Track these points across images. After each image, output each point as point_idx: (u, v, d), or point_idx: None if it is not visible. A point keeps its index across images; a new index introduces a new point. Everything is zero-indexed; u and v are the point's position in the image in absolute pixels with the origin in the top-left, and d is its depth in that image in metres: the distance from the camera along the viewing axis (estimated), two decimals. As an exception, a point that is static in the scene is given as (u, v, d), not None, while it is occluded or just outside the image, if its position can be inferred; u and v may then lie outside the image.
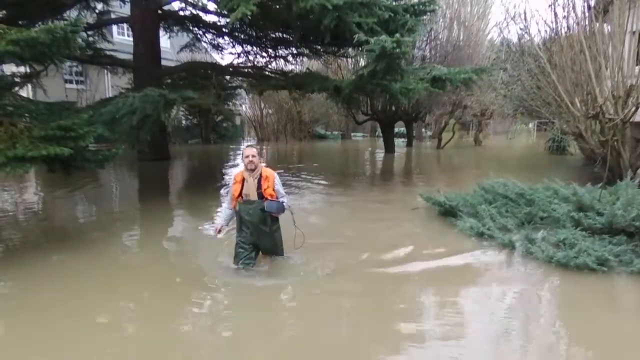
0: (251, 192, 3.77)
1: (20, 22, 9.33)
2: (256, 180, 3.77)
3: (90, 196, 8.09)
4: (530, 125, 28.68)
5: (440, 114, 19.81)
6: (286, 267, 4.12)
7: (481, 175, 7.45)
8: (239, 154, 17.15)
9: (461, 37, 16.98)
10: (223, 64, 14.01)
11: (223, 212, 4.15)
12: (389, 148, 17.12)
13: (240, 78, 14.02)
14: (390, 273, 4.13)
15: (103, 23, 13.17)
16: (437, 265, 4.30)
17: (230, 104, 18.76)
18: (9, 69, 10.52)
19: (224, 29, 12.53)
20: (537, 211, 5.29)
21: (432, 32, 16.42)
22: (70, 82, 18.22)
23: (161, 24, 12.61)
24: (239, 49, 13.44)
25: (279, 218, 3.97)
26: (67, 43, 4.13)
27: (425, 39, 16.32)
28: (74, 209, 7.20)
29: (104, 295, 3.54)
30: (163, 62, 12.76)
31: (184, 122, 21.37)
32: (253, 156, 3.76)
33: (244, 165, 3.82)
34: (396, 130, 20.19)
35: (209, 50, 15.59)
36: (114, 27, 19.04)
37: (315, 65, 17.87)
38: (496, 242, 4.75)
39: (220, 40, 13.74)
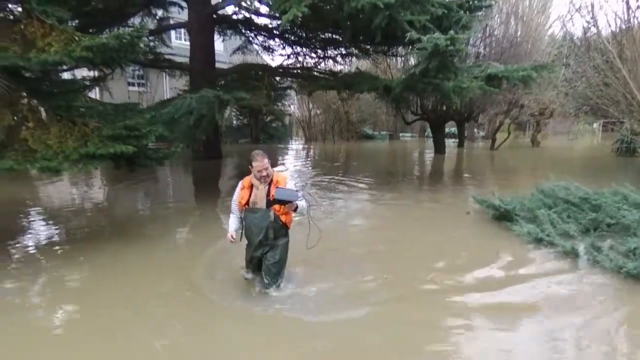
0: (259, 200, 3.35)
1: (90, 30, 10.09)
2: (266, 187, 3.35)
3: (149, 191, 8.58)
4: (595, 125, 26.66)
5: (495, 113, 18.95)
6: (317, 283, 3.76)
7: (539, 178, 7.05)
8: (287, 153, 17.59)
9: (519, 33, 16.15)
10: (273, 65, 14.29)
11: (232, 219, 3.57)
12: (439, 149, 16.66)
13: (290, 79, 14.25)
14: (443, 291, 3.65)
15: (163, 29, 13.89)
16: (498, 281, 3.89)
17: (280, 104, 19.12)
18: (80, 73, 11.43)
19: (274, 31, 12.81)
20: (603, 217, 4.92)
21: (488, 28, 15.76)
22: (133, 84, 19.44)
23: (215, 28, 13.10)
24: (288, 50, 13.68)
25: (287, 232, 3.55)
26: (132, 48, 4.41)
27: (480, 35, 15.71)
28: (133, 202, 7.68)
29: (148, 286, 3.77)
30: (217, 65, 13.24)
31: (235, 122, 22.07)
32: (266, 169, 3.29)
33: (254, 175, 3.36)
34: (447, 130, 19.59)
35: (259, 52, 16.00)
36: (172, 32, 20.06)
37: (364, 65, 17.77)
38: (556, 249, 4.47)
39: (271, 42, 14.04)
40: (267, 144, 20.99)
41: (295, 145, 21.64)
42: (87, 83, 9.23)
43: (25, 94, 4.69)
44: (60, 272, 4.03)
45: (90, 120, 4.77)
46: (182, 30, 18.13)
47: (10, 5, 5.04)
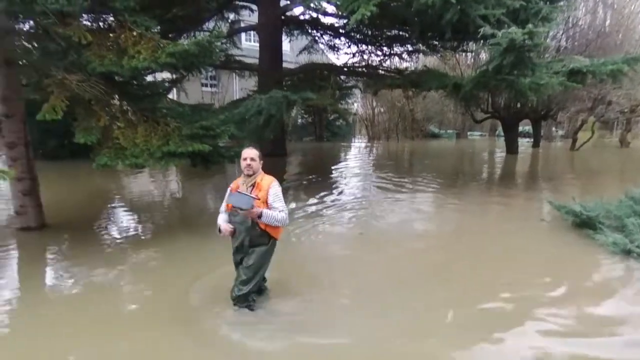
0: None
1: (170, 35, 10.87)
2: (249, 189, 3.09)
3: (219, 186, 9.05)
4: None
5: (577, 110, 17.40)
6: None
7: (628, 182, 6.39)
8: (350, 151, 17.63)
9: (607, 22, 14.69)
10: (339, 64, 14.39)
11: (220, 217, 3.29)
12: (511, 148, 15.68)
13: (355, 77, 14.25)
14: (515, 314, 3.19)
15: (234, 31, 14.56)
16: (582, 300, 3.44)
17: (344, 102, 19.17)
18: (160, 76, 12.38)
19: (340, 30, 12.88)
20: None
21: (571, 19, 14.51)
22: (206, 85, 20.61)
23: (283, 29, 13.48)
24: (354, 48, 13.68)
25: (271, 241, 3.21)
26: (210, 52, 4.69)
27: (561, 27, 14.51)
28: (204, 196, 8.16)
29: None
30: (284, 65, 13.62)
31: (299, 120, 22.55)
32: (252, 159, 3.06)
33: (242, 169, 3.14)
34: (520, 129, 18.36)
35: (325, 51, 16.19)
36: (243, 34, 20.94)
37: (431, 61, 17.24)
38: (650, 263, 4.04)
39: (337, 41, 14.13)
40: (330, 142, 21.19)
41: (358, 144, 21.59)
42: (167, 86, 9.94)
43: (117, 96, 5.20)
44: (140, 257, 4.44)
45: (171, 120, 5.16)
46: (252, 32, 18.85)
47: (106, 17, 5.61)
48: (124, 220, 6.13)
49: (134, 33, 4.68)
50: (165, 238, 5.14)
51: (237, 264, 3.25)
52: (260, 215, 2.98)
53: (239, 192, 3.00)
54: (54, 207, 5.78)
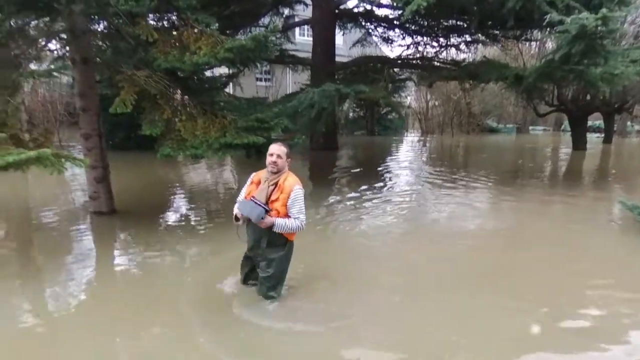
0: (259, 198, 2.95)
1: (227, 32, 11.26)
2: (270, 188, 2.98)
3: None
4: None
5: (657, 103, 15.84)
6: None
7: None
8: (401, 145, 17.31)
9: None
10: (392, 57, 14.14)
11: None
12: (579, 144, 14.60)
13: (409, 70, 13.95)
14: (589, 333, 2.82)
15: (289, 26, 14.78)
16: None
17: (397, 96, 18.83)
18: (217, 71, 12.88)
19: (395, 22, 12.63)
20: None
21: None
22: (260, 80, 21.15)
23: (337, 23, 13.47)
24: (408, 40, 13.38)
25: (287, 244, 3.12)
26: (266, 47, 4.82)
27: (641, 10, 13.21)
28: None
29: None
30: (336, 58, 13.63)
31: (351, 114, 22.49)
32: (279, 156, 2.95)
33: (267, 164, 3.02)
34: (589, 123, 17.02)
35: (378, 43, 15.96)
36: (297, 29, 21.18)
37: (491, 52, 16.43)
38: None
39: (391, 32, 13.88)
40: (381, 136, 20.96)
41: (411, 138, 21.14)
42: (224, 80, 10.32)
43: (179, 91, 5.50)
44: (194, 242, 4.69)
45: (228, 113, 5.37)
46: (306, 27, 19.01)
47: (170, 15, 5.94)
48: (183, 208, 6.50)
49: (195, 30, 4.91)
50: (219, 226, 5.38)
51: (249, 259, 3.28)
52: (272, 226, 2.92)
53: (253, 199, 2.89)
54: (122, 194, 6.24)
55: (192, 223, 5.65)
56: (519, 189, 7.95)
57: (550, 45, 13.71)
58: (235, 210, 3.04)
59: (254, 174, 3.16)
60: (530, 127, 26.43)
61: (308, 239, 4.29)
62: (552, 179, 9.90)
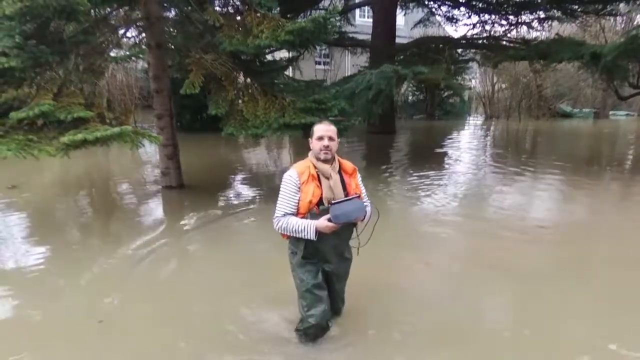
0: (338, 195, 2.21)
1: (288, 15, 11.46)
2: (338, 175, 2.27)
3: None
4: None
5: None
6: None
7: None
8: (463, 130, 16.60)
9: None
10: (456, 37, 13.57)
11: (294, 220, 2.23)
12: (667, 131, 13.15)
13: (473, 50, 13.32)
14: None
15: (349, 8, 14.67)
16: None
17: (460, 78, 18.08)
18: (278, 55, 13.19)
19: (460, 0, 12.09)
20: None
21: None
22: (319, 63, 21.28)
23: (398, 2, 13.14)
24: (474, 19, 12.79)
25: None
26: (325, 29, 4.90)
27: None
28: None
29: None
30: (397, 40, 13.34)
31: (410, 97, 21.95)
32: (331, 139, 2.21)
33: (313, 153, 2.27)
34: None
35: (442, 24, 15.35)
36: (357, 11, 20.93)
37: (566, 29, 15.14)
38: None
39: (456, 11, 13.34)
40: (442, 121, 20.27)
41: (473, 122, 20.22)
42: (284, 63, 10.57)
43: (242, 73, 5.78)
44: (249, 217, 4.99)
45: (287, 95, 5.56)
46: (366, 8, 18.72)
47: (234, 0, 6.21)
48: (242, 186, 6.86)
49: (258, 14, 5.11)
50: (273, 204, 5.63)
51: (320, 285, 2.39)
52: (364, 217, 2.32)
53: (350, 199, 2.18)
54: (189, 171, 6.72)
55: (246, 199, 5.95)
56: (594, 179, 7.35)
57: (638, 19, 12.34)
58: (312, 227, 2.16)
59: (292, 173, 2.24)
60: (611, 112, 24.07)
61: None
62: (634, 170, 9.03)
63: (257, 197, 6.09)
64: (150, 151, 9.10)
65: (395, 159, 9.89)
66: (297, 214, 2.24)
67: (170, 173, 6.17)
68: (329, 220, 2.11)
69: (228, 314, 2.86)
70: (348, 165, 2.37)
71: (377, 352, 2.49)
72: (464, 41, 12.63)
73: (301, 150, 10.26)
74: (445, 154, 10.31)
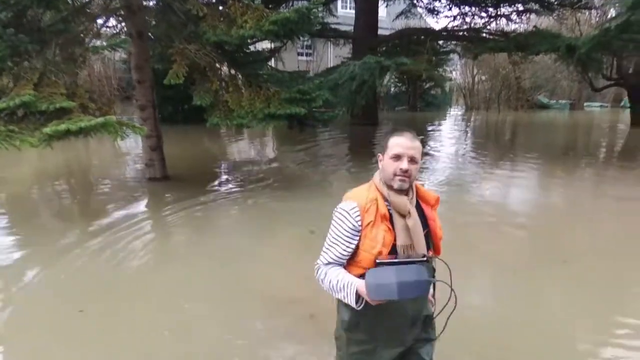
0: (418, 242, 1.44)
1: (270, 6, 11.39)
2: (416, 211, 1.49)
3: (309, 153, 9.50)
4: None
5: None
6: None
7: None
8: (444, 121, 16.90)
9: None
10: (437, 29, 13.73)
11: (335, 272, 1.47)
12: (638, 121, 13.65)
13: (454, 42, 13.52)
14: None
15: (332, -1, 14.64)
16: None
17: (441, 70, 18.31)
18: (260, 46, 13.11)
19: (441, -9, 12.24)
20: None
21: None
22: (302, 54, 21.20)
23: (381, -6, 13.21)
24: (455, 10, 12.97)
25: None
26: (308, 19, 4.94)
27: None
28: (296, 158, 8.62)
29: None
30: (379, 31, 13.41)
31: (392, 89, 22.12)
32: (413, 160, 1.47)
33: (382, 176, 1.51)
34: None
35: (423, 15, 15.50)
36: (339, 2, 20.89)
37: (544, 22, 15.49)
38: None
39: (437, 3, 13.47)
40: (424, 112, 20.53)
41: (454, 114, 20.55)
42: (268, 54, 10.54)
43: (226, 64, 5.77)
44: (233, 209, 5.04)
45: (271, 85, 5.59)
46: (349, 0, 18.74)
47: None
48: (225, 177, 6.87)
49: (241, 4, 5.10)
50: (257, 194, 5.67)
51: None
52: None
53: (407, 263, 1.38)
54: (173, 163, 6.69)
55: (229, 190, 5.98)
56: (570, 168, 7.63)
57: (612, 13, 12.73)
58: (352, 289, 1.40)
59: (350, 207, 1.46)
60: (586, 104, 24.80)
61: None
62: (607, 158, 9.38)
63: (242, 187, 6.12)
64: (131, 144, 8.99)
65: (380, 150, 9.97)
66: (350, 265, 1.48)
67: (155, 165, 6.14)
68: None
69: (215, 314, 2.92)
70: (429, 194, 1.56)
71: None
72: (445, 33, 12.79)
73: (285, 142, 10.39)
74: (427, 144, 10.50)
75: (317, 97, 5.52)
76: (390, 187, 1.47)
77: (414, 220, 1.44)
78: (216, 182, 6.46)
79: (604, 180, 6.91)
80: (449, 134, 12.97)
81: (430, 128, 14.63)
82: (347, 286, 1.41)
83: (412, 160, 1.46)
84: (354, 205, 1.45)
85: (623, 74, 13.78)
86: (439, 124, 15.84)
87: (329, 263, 1.49)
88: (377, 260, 1.40)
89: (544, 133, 13.78)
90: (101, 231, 4.23)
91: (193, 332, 2.59)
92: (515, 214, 5.10)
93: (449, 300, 1.43)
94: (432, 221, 1.52)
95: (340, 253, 1.46)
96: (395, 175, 1.45)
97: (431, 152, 9.36)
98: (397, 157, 1.45)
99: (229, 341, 2.51)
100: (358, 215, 1.44)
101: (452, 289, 1.41)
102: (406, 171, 1.44)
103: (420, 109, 21.18)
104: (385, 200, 1.47)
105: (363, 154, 9.28)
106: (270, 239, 4.14)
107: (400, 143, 1.47)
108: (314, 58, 20.27)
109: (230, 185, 6.26)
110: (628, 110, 14.98)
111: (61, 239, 4.06)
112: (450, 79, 22.84)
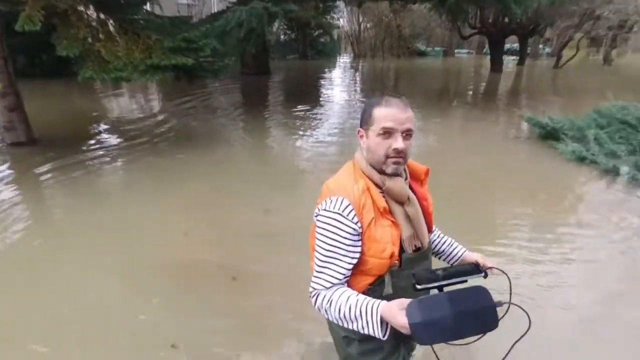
0: (420, 229, 1.21)
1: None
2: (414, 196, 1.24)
3: (201, 106, 9.03)
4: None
5: (565, 27, 17.10)
6: None
7: (605, 100, 6.63)
8: (334, 70, 17.31)
9: None
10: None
11: (339, 294, 1.11)
12: (496, 67, 15.66)
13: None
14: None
15: None
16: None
17: (329, 17, 18.40)
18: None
19: None
20: (657, 138, 4.78)
21: None
22: (182, -3, 19.31)
23: None
24: (339, -45, 12.85)
25: None
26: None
27: None
28: (187, 115, 8.15)
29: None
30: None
31: (282, 37, 21.65)
32: (408, 134, 1.13)
33: (370, 158, 1.18)
34: (507, 46, 18.12)
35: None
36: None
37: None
38: (599, 168, 4.51)
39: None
40: (315, 60, 20.64)
41: (343, 62, 21.09)
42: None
43: (92, 7, 5.04)
44: (120, 170, 4.71)
45: (151, 33, 5.08)
46: None
47: None
48: (102, 136, 6.22)
49: None
50: (141, 155, 5.30)
51: None
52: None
53: (464, 283, 1.08)
54: (39, 124, 5.82)
55: (108, 151, 5.47)
56: (444, 111, 8.61)
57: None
58: (425, 340, 0.97)
59: (342, 207, 1.12)
60: (456, 50, 27.43)
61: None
62: (473, 100, 10.69)
63: (123, 146, 5.63)
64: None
65: (273, 99, 9.93)
66: (356, 275, 1.18)
67: (17, 127, 5.29)
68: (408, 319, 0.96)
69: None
70: (418, 168, 1.30)
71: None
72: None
73: (172, 97, 9.64)
74: (320, 92, 10.75)
75: (204, 46, 5.20)
76: (381, 172, 1.16)
77: (415, 207, 1.19)
78: (94, 142, 5.81)
79: (470, 120, 7.96)
80: (341, 82, 13.39)
81: (321, 76, 14.87)
82: (367, 313, 1.05)
83: (407, 134, 1.13)
84: (347, 204, 1.11)
85: (485, 23, 15.42)
86: (330, 72, 16.17)
87: (333, 286, 1.13)
88: (417, 286, 1.04)
89: (422, 79, 15.04)
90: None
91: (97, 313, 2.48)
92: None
93: (528, 329, 1.07)
94: (425, 201, 1.26)
95: (344, 268, 1.13)
96: (387, 157, 1.13)
97: (324, 100, 9.63)
98: (388, 134, 1.12)
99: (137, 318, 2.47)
100: (354, 216, 1.11)
101: (526, 313, 1.06)
102: (401, 151, 1.12)
103: (311, 58, 21.23)
104: (379, 187, 1.17)
105: (256, 104, 9.14)
106: (164, 199, 3.98)
107: (390, 114, 1.11)
108: (196, 2, 18.67)
109: (111, 143, 5.72)
110: (489, 57, 17.02)
111: None
112: (338, 27, 23.13)
